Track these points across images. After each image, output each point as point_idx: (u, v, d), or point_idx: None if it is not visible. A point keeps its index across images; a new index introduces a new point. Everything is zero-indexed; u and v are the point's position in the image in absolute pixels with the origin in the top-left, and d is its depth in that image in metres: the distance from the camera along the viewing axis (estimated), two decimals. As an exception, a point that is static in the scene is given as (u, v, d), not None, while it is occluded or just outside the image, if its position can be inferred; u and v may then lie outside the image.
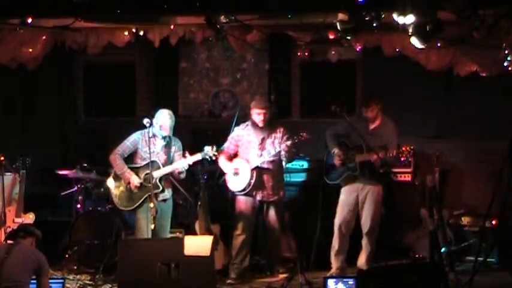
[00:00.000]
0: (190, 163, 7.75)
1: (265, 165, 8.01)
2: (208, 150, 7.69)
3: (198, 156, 7.72)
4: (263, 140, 8.04)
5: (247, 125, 8.13)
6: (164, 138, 7.83)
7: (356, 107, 9.46)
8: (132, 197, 7.82)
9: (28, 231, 6.64)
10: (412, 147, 7.53)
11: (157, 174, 7.69)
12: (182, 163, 7.73)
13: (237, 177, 8.03)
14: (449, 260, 7.56)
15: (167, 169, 7.74)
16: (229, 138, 8.19)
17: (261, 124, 8.02)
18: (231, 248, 8.18)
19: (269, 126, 8.06)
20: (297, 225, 8.58)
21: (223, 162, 8.10)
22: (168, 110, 7.86)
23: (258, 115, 8.02)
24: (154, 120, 7.75)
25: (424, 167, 8.47)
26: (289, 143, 7.87)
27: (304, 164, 8.88)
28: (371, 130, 7.93)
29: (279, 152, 7.95)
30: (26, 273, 6.30)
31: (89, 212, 8.70)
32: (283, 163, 8.12)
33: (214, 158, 7.80)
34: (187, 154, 7.73)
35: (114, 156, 7.85)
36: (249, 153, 8.05)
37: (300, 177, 8.88)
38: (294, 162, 8.58)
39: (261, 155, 7.97)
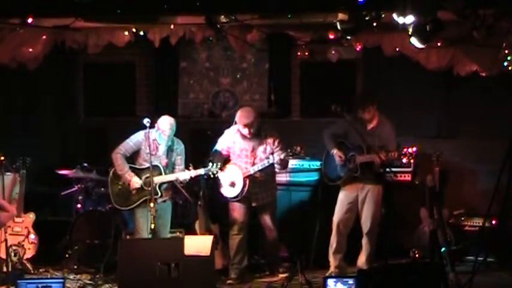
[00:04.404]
0: (193, 176, 7.77)
1: (258, 173, 7.98)
2: (212, 167, 7.71)
3: (200, 171, 7.75)
4: (254, 147, 7.99)
5: (237, 131, 8.04)
6: (166, 145, 7.82)
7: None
8: (130, 197, 7.84)
9: None
10: (414, 149, 7.51)
11: (157, 180, 7.67)
12: (184, 175, 7.75)
13: (231, 186, 8.04)
14: (449, 260, 7.59)
15: (168, 177, 7.75)
16: (220, 140, 8.13)
17: (248, 136, 7.98)
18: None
19: (259, 134, 7.99)
20: (299, 225, 8.58)
21: None
22: (171, 118, 7.81)
23: (243, 128, 7.95)
24: (156, 125, 7.73)
25: (424, 167, 8.46)
26: (283, 156, 7.80)
27: (309, 165, 8.89)
28: (369, 130, 7.91)
29: (273, 163, 7.92)
30: None
31: (89, 212, 8.69)
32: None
33: (216, 175, 7.82)
34: (191, 167, 7.75)
35: (116, 156, 7.83)
36: (241, 160, 8.02)
37: (303, 177, 8.89)
38: (298, 163, 8.68)
39: (254, 164, 7.93)
